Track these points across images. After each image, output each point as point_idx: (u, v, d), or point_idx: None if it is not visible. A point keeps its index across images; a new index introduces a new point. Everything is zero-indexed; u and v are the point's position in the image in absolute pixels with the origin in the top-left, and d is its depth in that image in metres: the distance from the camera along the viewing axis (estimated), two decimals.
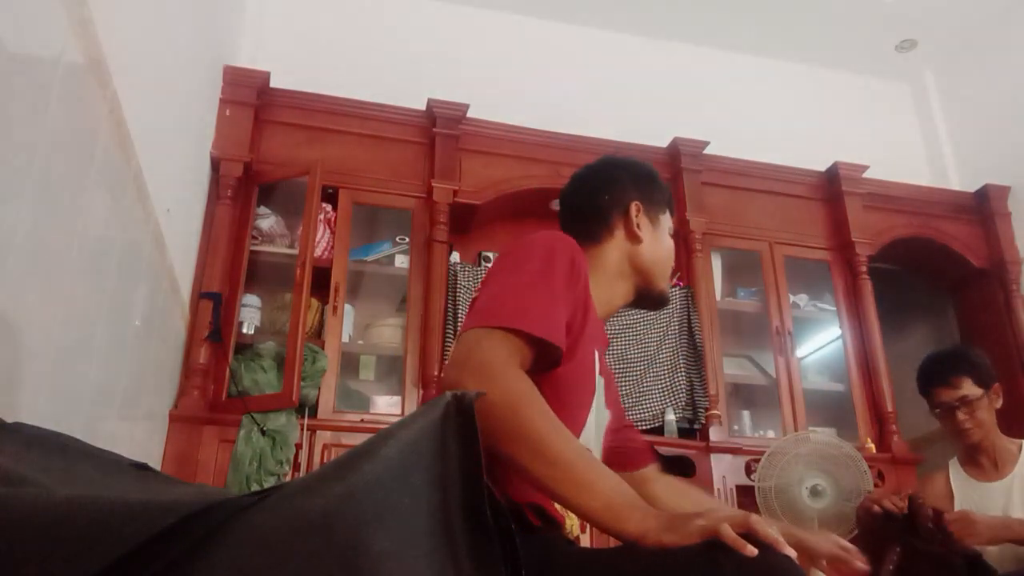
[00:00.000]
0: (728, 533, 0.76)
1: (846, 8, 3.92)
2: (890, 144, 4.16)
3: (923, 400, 2.27)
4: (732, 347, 3.54)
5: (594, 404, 1.20)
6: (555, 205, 3.47)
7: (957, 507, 2.16)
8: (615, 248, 1.32)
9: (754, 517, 0.79)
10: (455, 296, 3.03)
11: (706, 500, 1.50)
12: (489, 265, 3.15)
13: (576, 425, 1.14)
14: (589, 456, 0.93)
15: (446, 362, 0.99)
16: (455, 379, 0.94)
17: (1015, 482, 2.14)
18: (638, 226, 1.32)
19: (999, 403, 2.19)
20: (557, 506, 1.10)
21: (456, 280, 3.05)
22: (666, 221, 1.39)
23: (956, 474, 2.26)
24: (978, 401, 2.14)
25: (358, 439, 2.45)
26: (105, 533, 0.49)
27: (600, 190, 1.36)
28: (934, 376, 2.20)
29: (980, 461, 2.21)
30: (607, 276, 1.30)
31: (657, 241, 1.34)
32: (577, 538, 1.15)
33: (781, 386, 3.27)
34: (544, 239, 1.13)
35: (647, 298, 1.36)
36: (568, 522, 1.12)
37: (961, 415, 2.15)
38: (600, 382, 1.24)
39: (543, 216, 3.49)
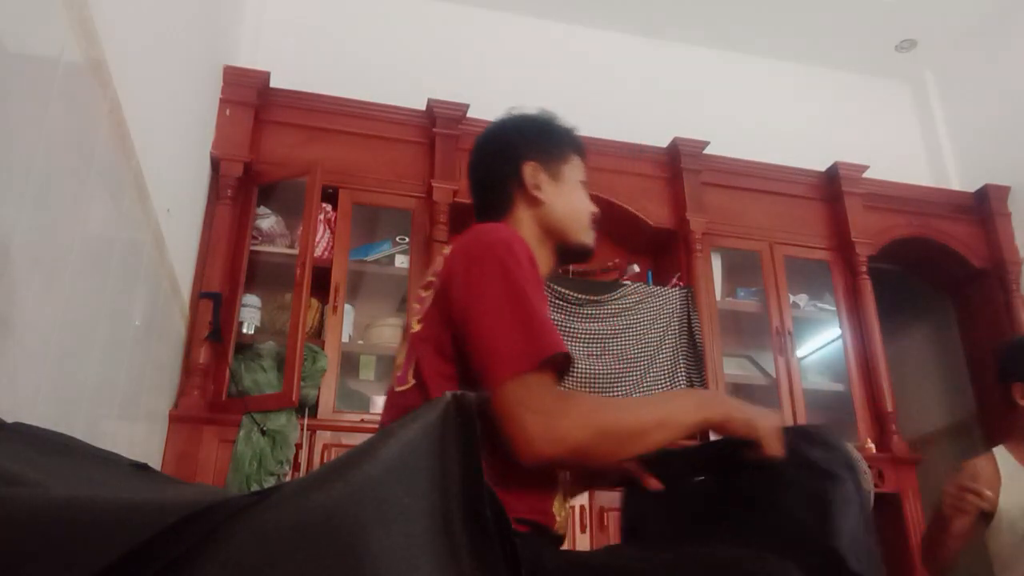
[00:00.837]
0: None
1: (846, 8, 3.92)
2: (890, 144, 4.16)
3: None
4: (732, 347, 3.54)
5: None
6: None
7: (1006, 496, 2.17)
8: (524, 216, 1.28)
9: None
10: None
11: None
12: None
13: None
14: (652, 406, 1.06)
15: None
16: (521, 434, 0.95)
17: None
18: (537, 187, 1.27)
19: None
20: (555, 506, 1.11)
21: None
22: (571, 170, 1.32)
23: (1005, 460, 2.25)
24: None
25: (358, 439, 2.45)
26: (105, 533, 0.49)
27: (493, 159, 1.32)
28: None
29: None
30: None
31: (562, 195, 1.29)
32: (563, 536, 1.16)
33: (781, 386, 3.27)
34: (500, 242, 1.09)
35: (569, 254, 1.32)
36: (558, 521, 1.12)
37: None
38: None
39: None
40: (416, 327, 1.14)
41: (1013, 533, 2.14)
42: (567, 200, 1.29)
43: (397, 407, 1.13)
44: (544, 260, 1.28)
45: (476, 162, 1.35)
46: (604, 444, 0.98)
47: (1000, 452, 2.28)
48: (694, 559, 0.93)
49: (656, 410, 1.04)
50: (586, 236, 1.31)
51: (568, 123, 1.38)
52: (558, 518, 1.12)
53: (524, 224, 1.27)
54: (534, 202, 1.28)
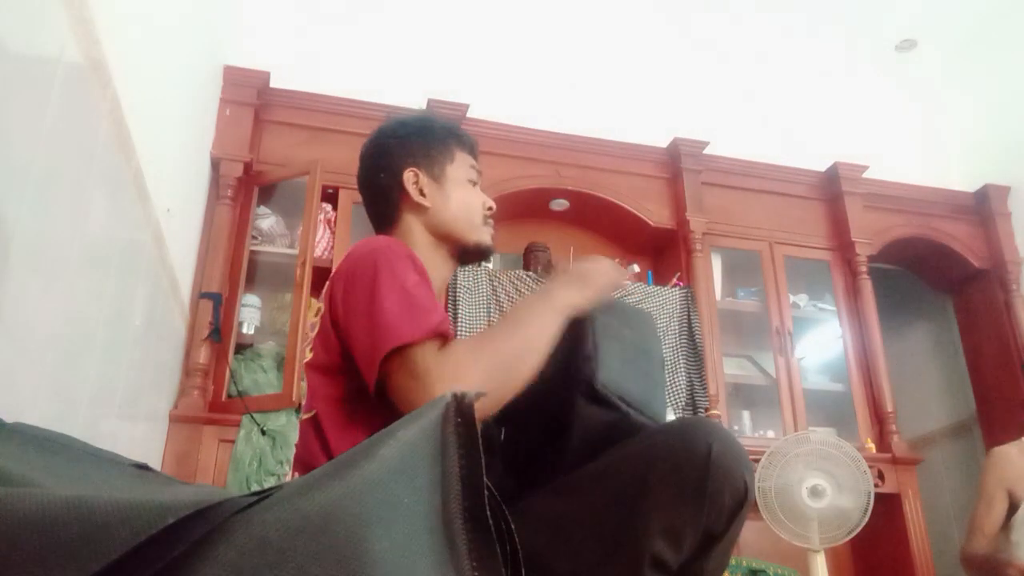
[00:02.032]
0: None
1: (846, 8, 3.92)
2: (890, 144, 4.16)
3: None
4: (732, 347, 3.54)
5: None
6: (555, 205, 3.49)
7: None
8: (412, 223, 1.27)
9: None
10: (455, 296, 3.03)
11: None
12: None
13: None
14: (516, 316, 1.10)
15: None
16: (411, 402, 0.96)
17: None
18: (421, 192, 1.26)
19: None
20: None
21: (456, 280, 3.05)
22: (455, 169, 1.29)
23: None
24: None
25: None
26: (105, 533, 0.49)
27: (376, 170, 1.30)
28: None
29: None
30: (418, 252, 1.22)
31: (447, 197, 1.26)
32: None
33: (781, 386, 3.27)
34: (372, 253, 1.09)
35: (467, 255, 1.30)
36: None
37: None
38: None
39: (543, 216, 3.49)
40: (308, 355, 1.15)
41: None
42: (452, 201, 1.27)
43: (307, 434, 1.14)
44: (441, 264, 1.27)
45: (360, 175, 1.34)
46: (497, 378, 0.99)
47: (1020, 443, 2.27)
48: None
49: (525, 329, 1.06)
50: (480, 234, 1.28)
51: (450, 121, 1.37)
52: None
53: (414, 231, 1.26)
54: (420, 209, 1.26)
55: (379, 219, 1.32)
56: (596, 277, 1.14)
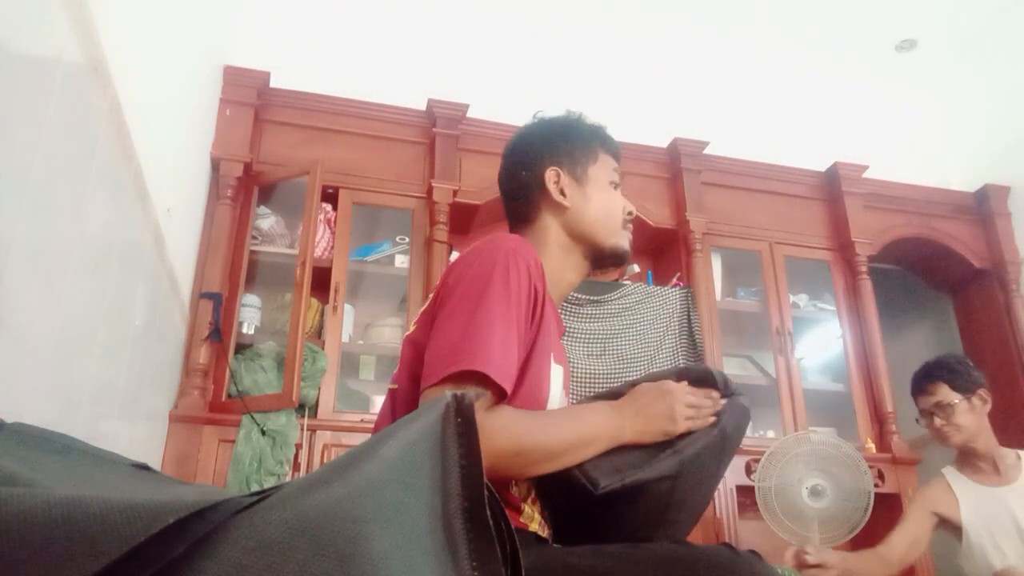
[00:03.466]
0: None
1: (846, 8, 3.92)
2: (890, 144, 4.16)
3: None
4: (732, 347, 3.54)
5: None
6: None
7: (967, 512, 2.19)
8: (549, 222, 1.25)
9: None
10: None
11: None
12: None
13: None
14: (576, 423, 1.06)
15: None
16: None
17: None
18: (562, 193, 1.24)
19: (987, 408, 2.23)
20: (524, 511, 1.11)
21: None
22: (598, 170, 1.28)
23: (956, 479, 2.28)
24: (955, 406, 2.19)
25: (358, 439, 2.45)
26: (105, 533, 0.49)
27: (518, 168, 1.29)
28: (913, 385, 2.31)
29: (978, 465, 2.25)
30: (551, 253, 1.23)
31: (588, 199, 1.25)
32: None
33: (781, 386, 3.27)
34: (503, 254, 1.07)
35: (602, 259, 1.27)
36: (530, 526, 1.12)
37: (938, 420, 2.22)
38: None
39: None
40: (411, 328, 1.15)
41: (981, 548, 2.15)
42: (592, 203, 1.25)
43: (386, 404, 1.16)
44: (575, 267, 1.26)
45: (502, 172, 1.33)
46: (518, 463, 0.99)
47: (950, 472, 2.31)
48: (668, 554, 0.96)
49: (573, 429, 1.04)
50: (618, 238, 1.27)
51: (596, 122, 1.34)
52: (530, 525, 1.11)
53: (551, 232, 1.25)
54: (559, 208, 1.24)
55: (516, 217, 1.29)
56: (678, 421, 1.10)
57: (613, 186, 1.29)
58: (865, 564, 2.07)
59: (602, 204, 1.26)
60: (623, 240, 1.28)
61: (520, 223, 1.28)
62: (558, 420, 1.08)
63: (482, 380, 0.97)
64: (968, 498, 2.22)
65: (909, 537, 2.18)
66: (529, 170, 1.27)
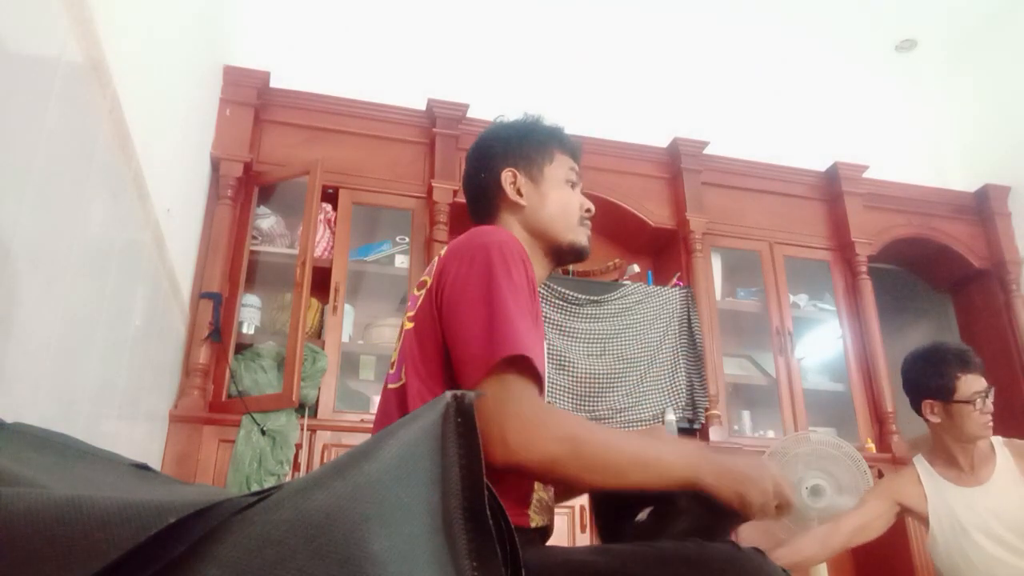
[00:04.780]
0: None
1: (846, 8, 3.92)
2: (890, 144, 4.16)
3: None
4: (732, 347, 3.54)
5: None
6: None
7: (934, 508, 2.12)
8: (510, 221, 1.29)
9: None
10: None
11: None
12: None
13: None
14: (645, 443, 1.02)
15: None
16: (499, 435, 0.93)
17: (999, 483, 2.09)
18: (518, 192, 1.28)
19: None
20: (531, 510, 1.11)
21: None
22: (554, 170, 1.31)
23: (927, 473, 2.18)
24: (991, 392, 2.08)
25: (358, 439, 2.45)
26: (105, 533, 0.49)
27: (478, 169, 1.34)
28: (969, 361, 2.11)
29: (958, 462, 2.14)
30: None
31: (543, 197, 1.28)
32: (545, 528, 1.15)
33: (781, 386, 3.27)
34: (497, 245, 1.09)
35: (561, 255, 1.30)
36: (534, 524, 1.12)
37: (991, 404, 2.07)
38: None
39: None
40: (408, 325, 1.15)
41: (946, 545, 2.09)
42: (548, 200, 1.29)
43: (389, 403, 1.15)
44: (537, 264, 1.27)
45: (464, 175, 1.38)
46: (575, 465, 0.96)
47: (920, 463, 2.21)
48: (675, 552, 0.95)
49: (641, 450, 1.00)
50: (576, 235, 1.29)
51: (554, 122, 1.37)
52: (532, 523, 1.12)
53: (512, 230, 1.28)
54: (516, 208, 1.29)
55: (479, 216, 1.34)
56: (753, 488, 1.01)
57: (570, 184, 1.32)
58: (804, 544, 2.03)
59: (558, 202, 1.29)
60: (580, 236, 1.30)
61: (483, 219, 1.33)
62: (622, 434, 1.08)
63: (529, 366, 0.98)
64: (937, 497, 2.13)
65: (860, 521, 2.10)
66: (488, 172, 1.32)
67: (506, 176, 1.30)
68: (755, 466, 1.03)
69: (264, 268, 3.00)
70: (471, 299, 1.04)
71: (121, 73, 1.55)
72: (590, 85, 3.85)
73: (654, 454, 1.00)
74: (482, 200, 1.33)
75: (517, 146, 1.32)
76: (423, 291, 1.15)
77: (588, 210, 1.32)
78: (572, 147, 1.35)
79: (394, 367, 1.17)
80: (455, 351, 1.04)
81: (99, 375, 1.65)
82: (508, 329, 0.99)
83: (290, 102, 3.10)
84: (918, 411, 2.21)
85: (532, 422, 0.94)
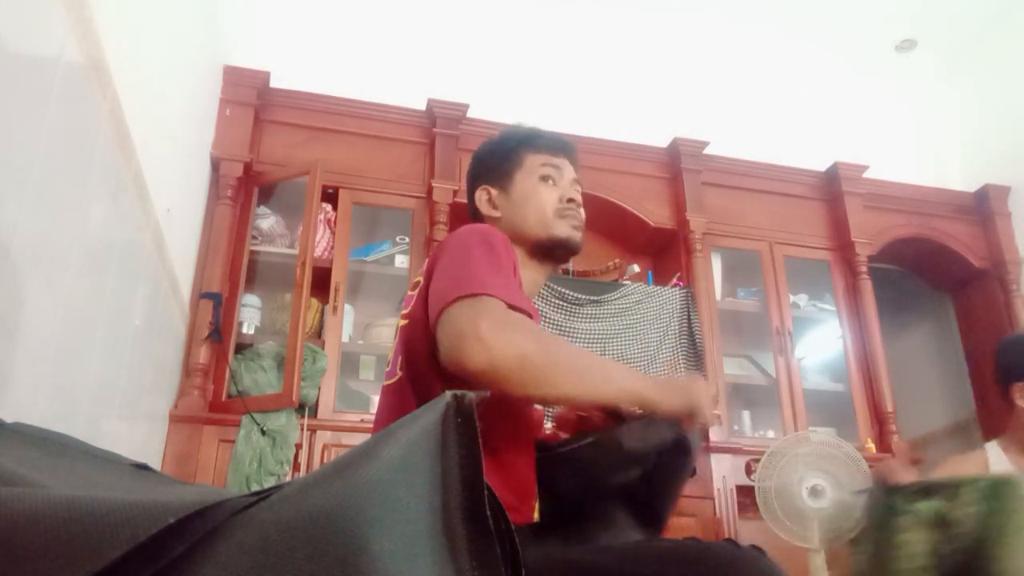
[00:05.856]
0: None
1: (846, 8, 3.92)
2: (890, 144, 4.16)
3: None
4: (732, 347, 3.54)
5: None
6: None
7: None
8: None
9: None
10: None
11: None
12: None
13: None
14: (594, 356, 1.11)
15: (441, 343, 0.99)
16: (456, 357, 0.95)
17: None
18: (493, 206, 1.32)
19: None
20: (535, 509, 1.12)
21: None
22: (524, 174, 1.32)
23: (998, 460, 2.18)
24: None
25: (358, 439, 2.45)
26: (105, 533, 0.49)
27: (468, 192, 1.39)
28: None
29: None
30: None
31: (514, 204, 1.30)
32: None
33: (781, 386, 3.27)
34: (477, 229, 1.13)
35: (547, 251, 1.30)
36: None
37: None
38: None
39: None
40: (403, 323, 1.17)
41: None
42: (518, 205, 1.30)
43: (387, 400, 1.16)
44: (529, 269, 1.28)
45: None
46: (547, 363, 0.97)
47: (993, 449, 2.21)
48: (669, 550, 0.96)
49: (599, 359, 1.10)
50: (554, 228, 1.28)
51: (529, 126, 1.39)
52: (535, 517, 1.12)
53: None
54: (495, 221, 1.31)
55: None
56: (687, 397, 1.09)
57: (546, 180, 1.32)
58: None
59: (529, 203, 1.30)
60: (560, 228, 1.29)
61: None
62: (573, 346, 1.10)
63: (491, 296, 0.99)
64: None
65: None
66: (470, 194, 1.37)
67: (479, 195, 1.34)
68: (689, 379, 1.14)
69: (264, 268, 3.00)
70: (446, 263, 1.07)
71: (121, 73, 1.55)
72: (590, 85, 3.85)
73: (610, 366, 1.10)
74: (472, 216, 1.37)
75: (487, 162, 1.36)
76: (416, 290, 1.16)
77: (570, 200, 1.30)
78: (547, 142, 1.35)
79: (389, 365, 1.19)
80: (428, 304, 1.05)
81: (99, 375, 1.65)
82: (481, 274, 1.01)
83: (290, 102, 3.10)
84: (1005, 395, 2.19)
85: (505, 321, 0.96)
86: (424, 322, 1.08)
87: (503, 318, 0.97)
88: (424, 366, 1.08)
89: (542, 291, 3.02)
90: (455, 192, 3.10)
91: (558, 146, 1.35)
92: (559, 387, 1.00)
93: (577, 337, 3.08)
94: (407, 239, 3.13)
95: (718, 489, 2.94)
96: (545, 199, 1.30)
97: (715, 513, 2.93)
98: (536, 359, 0.96)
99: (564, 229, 1.29)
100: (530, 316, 1.03)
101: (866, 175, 3.64)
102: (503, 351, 0.93)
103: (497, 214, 1.31)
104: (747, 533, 2.89)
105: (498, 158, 1.35)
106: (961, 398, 3.84)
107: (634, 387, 1.06)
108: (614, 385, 1.05)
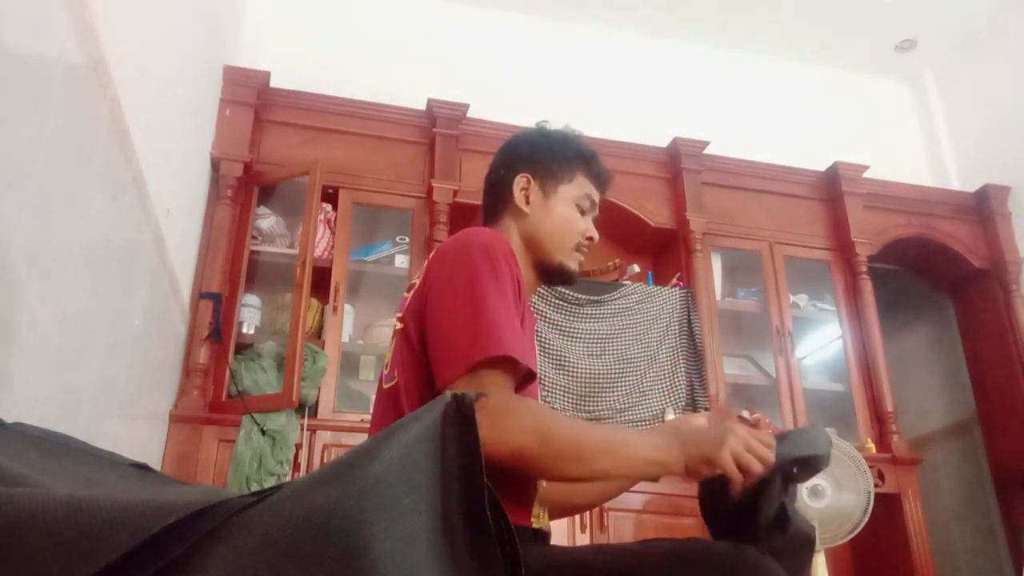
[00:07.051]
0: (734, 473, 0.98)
1: (846, 8, 3.92)
2: (890, 144, 4.16)
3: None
4: (732, 347, 3.54)
5: None
6: None
7: None
8: (510, 224, 1.29)
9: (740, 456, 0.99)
10: None
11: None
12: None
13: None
14: (610, 428, 1.08)
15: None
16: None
17: None
18: (526, 199, 1.28)
19: None
20: (534, 510, 1.12)
21: None
22: (569, 189, 1.29)
23: None
24: None
25: (358, 439, 2.45)
26: (105, 533, 0.49)
27: (498, 166, 1.34)
28: None
29: None
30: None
31: (548, 210, 1.27)
32: (544, 530, 1.16)
33: (781, 386, 3.27)
34: (480, 243, 1.10)
35: (548, 273, 1.29)
36: (536, 523, 1.12)
37: None
38: None
39: None
40: (398, 325, 1.17)
41: None
42: (550, 216, 1.27)
43: (384, 403, 1.16)
44: (526, 268, 1.27)
45: (489, 165, 1.38)
46: (545, 454, 0.96)
47: None
48: (671, 549, 0.96)
49: (607, 436, 1.02)
50: (567, 257, 1.28)
51: (591, 148, 1.36)
52: (535, 522, 1.12)
53: (511, 234, 1.28)
54: (520, 214, 1.28)
55: (486, 211, 1.35)
56: (725, 450, 0.99)
57: (580, 209, 1.31)
58: None
59: (561, 220, 1.28)
60: (571, 261, 1.29)
61: (489, 216, 1.33)
62: (588, 423, 1.09)
63: (509, 364, 0.99)
64: None
65: None
66: (506, 169, 1.32)
67: (519, 180, 1.29)
68: (716, 430, 1.03)
69: (264, 268, 3.00)
70: (453, 295, 1.06)
71: (121, 73, 1.55)
72: (590, 85, 3.85)
73: (620, 440, 1.02)
74: (492, 195, 1.33)
75: (541, 155, 1.31)
76: (412, 292, 1.16)
77: (590, 238, 1.31)
78: (599, 174, 1.34)
79: (388, 367, 1.19)
80: (432, 344, 1.05)
81: (99, 375, 1.65)
82: (491, 328, 1.00)
83: (290, 102, 3.10)
84: None
85: (498, 413, 0.95)
86: (419, 331, 1.09)
87: (503, 406, 0.96)
88: (421, 374, 1.08)
89: (542, 291, 3.02)
90: (455, 192, 3.10)
91: (605, 183, 1.36)
92: (566, 472, 0.99)
93: (577, 337, 3.08)
94: (407, 239, 3.13)
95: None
96: (575, 227, 1.29)
97: None
98: (531, 452, 0.96)
99: (574, 263, 1.30)
100: (532, 373, 1.03)
101: (866, 175, 3.64)
102: (496, 447, 0.93)
103: (526, 210, 1.27)
104: None
105: (554, 159, 1.31)
106: (961, 398, 3.84)
107: (656, 457, 1.01)
108: (638, 462, 1.02)
